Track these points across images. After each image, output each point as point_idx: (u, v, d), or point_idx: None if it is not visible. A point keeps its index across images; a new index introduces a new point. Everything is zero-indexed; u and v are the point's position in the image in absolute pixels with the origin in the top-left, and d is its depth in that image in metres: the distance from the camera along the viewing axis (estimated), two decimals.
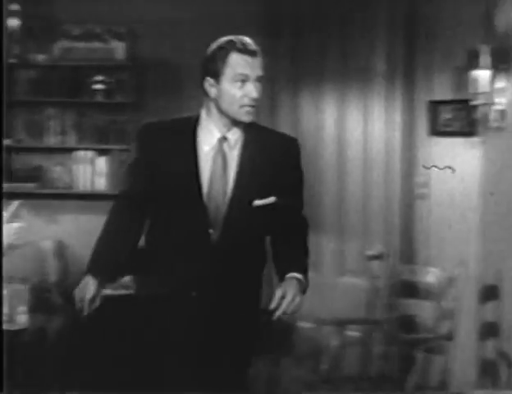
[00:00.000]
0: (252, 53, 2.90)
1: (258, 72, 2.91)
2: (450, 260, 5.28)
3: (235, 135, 2.98)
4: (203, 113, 2.99)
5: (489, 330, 4.91)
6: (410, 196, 5.47)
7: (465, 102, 5.05)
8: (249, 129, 3.00)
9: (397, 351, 5.04)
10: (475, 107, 4.97)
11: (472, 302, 5.11)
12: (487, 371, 4.92)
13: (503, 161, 4.90)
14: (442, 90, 5.30)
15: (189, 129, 2.99)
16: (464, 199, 5.39)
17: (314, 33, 5.37)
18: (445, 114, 5.35)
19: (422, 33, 5.31)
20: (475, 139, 5.35)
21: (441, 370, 4.92)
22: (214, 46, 2.94)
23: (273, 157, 2.98)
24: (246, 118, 2.93)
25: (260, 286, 3.05)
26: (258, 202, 2.93)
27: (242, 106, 2.91)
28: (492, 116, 4.92)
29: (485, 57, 4.83)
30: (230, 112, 2.93)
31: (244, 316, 2.98)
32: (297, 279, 2.88)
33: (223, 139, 2.96)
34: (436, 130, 5.40)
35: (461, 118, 5.27)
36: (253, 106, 2.93)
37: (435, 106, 5.35)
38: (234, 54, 2.90)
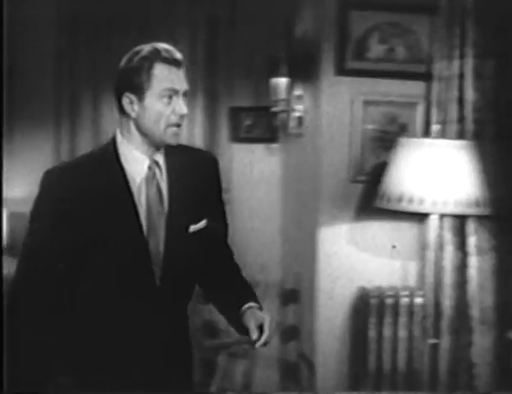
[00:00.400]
0: (178, 64, 2.56)
1: (185, 85, 2.58)
2: (252, 265, 5.34)
3: (161, 158, 2.65)
4: (119, 138, 2.62)
5: (290, 333, 4.99)
6: None
7: (266, 108, 5.16)
8: (168, 149, 2.66)
9: (200, 357, 5.01)
10: (275, 113, 5.07)
11: (273, 306, 5.18)
12: (289, 373, 4.99)
13: (300, 166, 5.03)
14: (243, 97, 5.38)
15: (112, 161, 2.59)
16: (265, 205, 5.48)
17: (112, 34, 5.28)
18: (247, 121, 5.44)
19: (224, 38, 5.38)
20: (274, 146, 5.49)
21: (244, 374, 4.93)
22: (135, 55, 2.56)
23: (196, 176, 2.71)
24: (173, 140, 2.59)
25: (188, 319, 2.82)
26: (193, 227, 2.65)
27: (169, 125, 2.56)
28: (291, 122, 5.04)
29: (284, 65, 4.96)
30: (156, 133, 2.57)
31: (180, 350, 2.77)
32: (257, 308, 2.73)
33: (154, 164, 2.63)
34: (238, 137, 5.48)
35: (262, 125, 5.39)
36: (179, 125, 2.58)
37: (236, 112, 5.43)
38: (160, 65, 2.54)
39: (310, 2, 4.71)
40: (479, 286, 4.01)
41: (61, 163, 2.65)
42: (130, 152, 2.60)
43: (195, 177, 2.71)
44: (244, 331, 2.67)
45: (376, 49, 4.39)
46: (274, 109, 5.07)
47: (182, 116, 2.57)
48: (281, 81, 4.98)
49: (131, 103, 2.56)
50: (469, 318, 4.04)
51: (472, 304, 4.02)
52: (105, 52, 5.39)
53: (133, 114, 2.57)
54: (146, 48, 2.56)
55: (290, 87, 4.98)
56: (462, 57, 3.87)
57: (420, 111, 4.35)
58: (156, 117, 2.55)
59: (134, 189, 2.58)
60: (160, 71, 2.54)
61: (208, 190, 2.74)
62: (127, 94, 2.56)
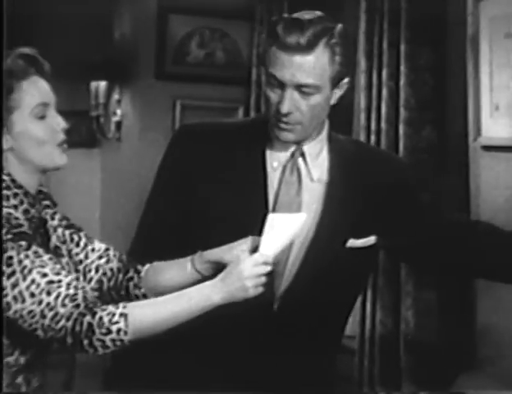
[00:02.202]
0: (298, 49, 2.01)
1: (302, 78, 2.02)
2: None
3: (314, 148, 2.16)
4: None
5: None
6: None
7: (84, 113, 5.05)
8: (336, 143, 2.19)
9: None
10: (94, 118, 4.98)
11: None
12: (110, 382, 4.91)
13: (121, 171, 4.97)
14: (61, 100, 5.22)
15: (258, 138, 2.17)
16: (83, 211, 5.36)
17: None
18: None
19: (40, 40, 5.19)
20: (94, 151, 5.37)
21: (64, 384, 4.82)
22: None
23: (371, 181, 2.17)
24: (281, 136, 2.10)
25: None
26: (353, 242, 2.09)
27: (274, 116, 2.08)
28: (110, 127, 4.98)
29: (102, 68, 4.88)
30: (269, 121, 2.11)
31: None
32: None
33: (299, 153, 2.14)
34: None
35: (80, 129, 5.25)
36: (286, 122, 2.07)
37: None
38: (275, 42, 2.03)
39: (129, 3, 4.67)
40: None
41: (202, 122, 2.28)
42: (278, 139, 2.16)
43: (368, 182, 2.18)
44: None
45: (196, 54, 4.40)
46: (93, 113, 4.98)
47: (282, 115, 2.06)
48: (100, 85, 4.89)
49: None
50: None
51: None
52: None
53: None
54: (280, 18, 2.09)
55: (110, 91, 4.91)
56: None
57: (240, 116, 4.38)
58: (266, 102, 2.10)
59: (269, 175, 2.15)
60: (273, 51, 2.03)
61: (388, 201, 2.18)
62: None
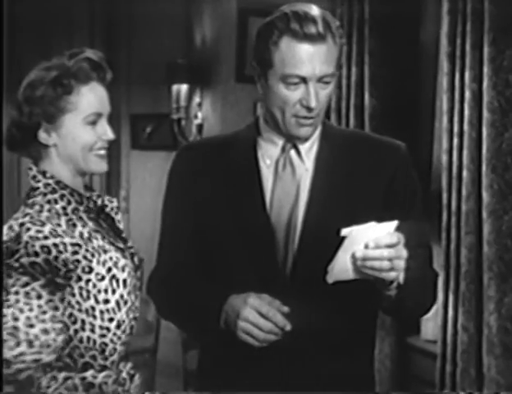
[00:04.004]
0: (313, 38, 1.99)
1: (321, 69, 2.01)
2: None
3: (306, 143, 2.15)
4: (262, 119, 2.20)
5: (191, 342, 4.96)
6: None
7: (166, 116, 5.09)
8: (327, 135, 2.19)
9: None
10: (175, 120, 5.03)
11: None
12: (191, 382, 4.96)
13: None
14: (142, 103, 5.28)
15: (249, 141, 2.20)
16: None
17: None
18: (147, 127, 5.35)
19: (123, 43, 5.28)
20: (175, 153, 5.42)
21: (145, 383, 4.88)
22: (268, 22, 2.06)
23: (367, 171, 2.15)
24: (302, 133, 2.10)
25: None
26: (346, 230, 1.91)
27: (294, 115, 2.07)
28: (192, 130, 5.02)
29: (184, 71, 4.91)
30: (280, 122, 2.11)
31: None
32: None
33: (290, 146, 2.15)
34: (139, 144, 5.39)
35: (162, 132, 5.30)
36: (310, 117, 2.07)
37: (136, 119, 5.34)
38: (288, 39, 2.01)
39: (210, 7, 4.70)
40: None
41: (199, 139, 2.40)
42: (267, 135, 2.18)
43: (358, 169, 2.16)
44: None
45: None
46: (174, 116, 5.02)
47: (310, 110, 2.06)
48: (181, 88, 4.94)
49: (259, 78, 2.11)
50: None
51: None
52: None
53: (260, 91, 2.12)
54: (278, 12, 2.06)
55: (191, 94, 4.95)
56: (361, 64, 3.90)
57: None
58: (281, 103, 2.06)
59: (264, 172, 2.17)
60: (287, 47, 2.02)
61: (382, 190, 2.15)
62: (254, 64, 2.10)
